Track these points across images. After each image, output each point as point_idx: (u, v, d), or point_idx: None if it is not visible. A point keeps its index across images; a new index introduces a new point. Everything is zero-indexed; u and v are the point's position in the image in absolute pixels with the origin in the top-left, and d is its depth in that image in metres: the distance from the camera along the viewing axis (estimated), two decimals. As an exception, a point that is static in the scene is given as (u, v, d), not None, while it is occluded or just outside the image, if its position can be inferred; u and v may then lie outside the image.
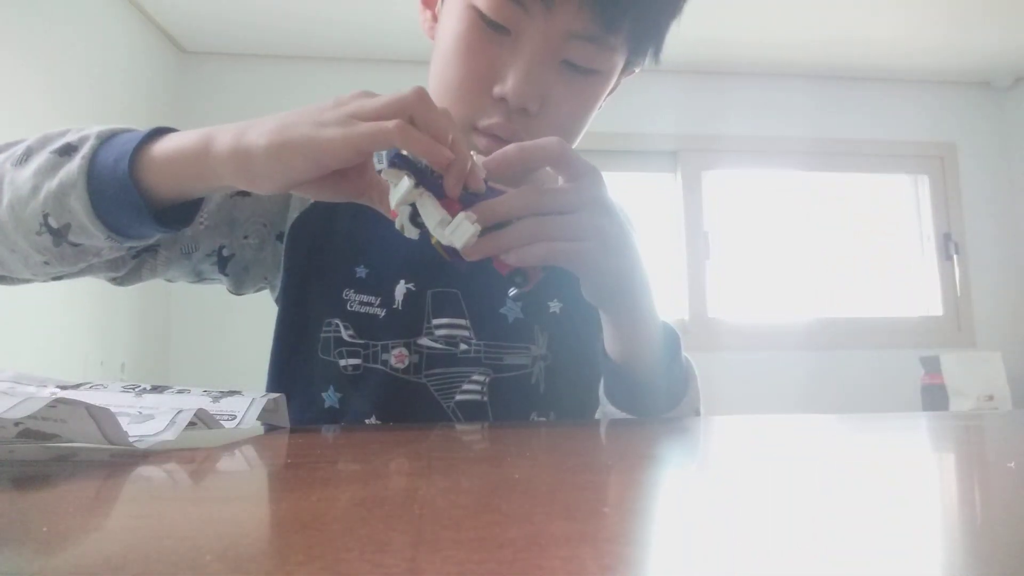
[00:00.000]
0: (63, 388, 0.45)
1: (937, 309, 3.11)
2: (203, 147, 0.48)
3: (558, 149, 0.49)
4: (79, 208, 0.49)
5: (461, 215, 0.45)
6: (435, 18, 0.62)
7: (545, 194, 0.48)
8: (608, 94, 0.65)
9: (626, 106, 3.04)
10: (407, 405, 0.62)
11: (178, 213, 0.52)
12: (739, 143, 3.08)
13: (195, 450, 0.36)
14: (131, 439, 0.35)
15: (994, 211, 3.17)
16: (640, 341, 0.56)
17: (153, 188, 0.49)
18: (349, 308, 0.63)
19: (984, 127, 3.23)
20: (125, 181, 0.48)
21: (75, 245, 0.51)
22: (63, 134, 0.53)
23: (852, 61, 3.02)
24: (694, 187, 3.05)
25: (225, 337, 2.61)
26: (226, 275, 0.65)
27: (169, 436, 0.36)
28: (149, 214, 0.49)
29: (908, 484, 0.29)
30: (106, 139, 0.51)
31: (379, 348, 0.63)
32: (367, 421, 0.62)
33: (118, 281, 0.62)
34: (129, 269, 0.61)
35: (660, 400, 0.59)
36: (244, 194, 0.63)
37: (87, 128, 0.53)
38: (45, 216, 0.50)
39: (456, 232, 0.45)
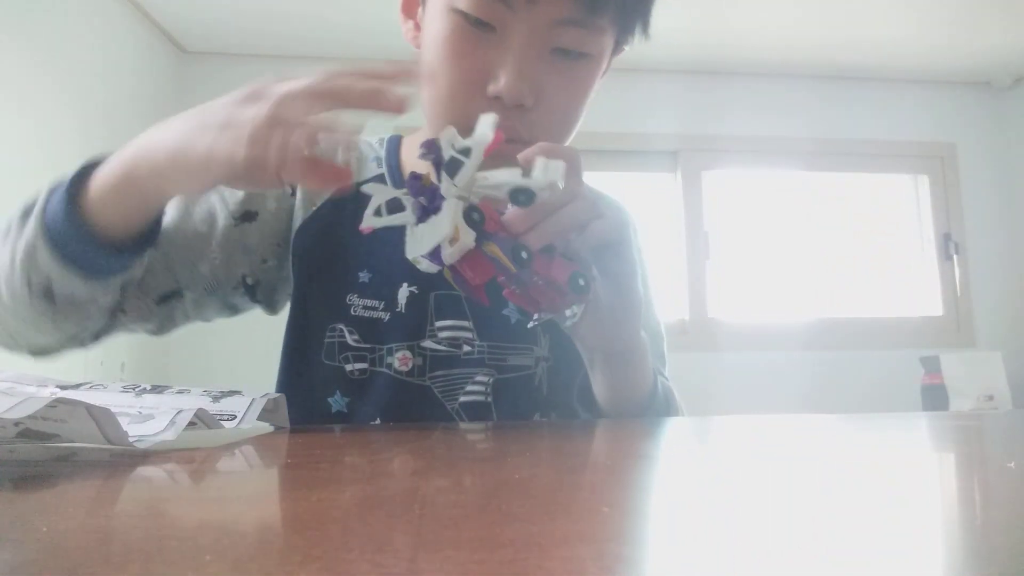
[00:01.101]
0: (63, 388, 0.45)
1: (937, 309, 3.11)
2: (127, 169, 0.48)
3: (590, 213, 0.48)
4: (48, 261, 0.50)
5: (463, 225, 0.43)
6: (417, 27, 0.62)
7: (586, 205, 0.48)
8: (601, 76, 0.65)
9: (626, 106, 3.04)
10: (412, 407, 0.62)
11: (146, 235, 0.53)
12: (739, 143, 3.08)
13: (195, 450, 0.36)
14: (131, 439, 0.35)
15: (994, 211, 3.17)
16: (628, 392, 0.58)
17: (101, 218, 0.49)
18: (353, 313, 0.63)
19: (984, 127, 3.22)
20: (74, 220, 0.49)
21: (70, 300, 0.52)
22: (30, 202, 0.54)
23: (852, 61, 3.02)
24: (694, 187, 3.05)
25: (225, 338, 2.60)
26: (258, 302, 0.66)
27: (169, 436, 0.36)
28: (103, 243, 0.50)
29: (908, 484, 0.29)
30: (54, 188, 0.51)
31: (384, 352, 0.63)
32: (372, 423, 0.62)
33: (155, 332, 0.63)
34: (161, 319, 0.62)
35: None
36: (247, 220, 0.64)
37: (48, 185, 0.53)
38: (28, 280, 0.51)
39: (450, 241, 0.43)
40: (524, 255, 0.43)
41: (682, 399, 0.68)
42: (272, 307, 0.68)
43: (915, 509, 0.24)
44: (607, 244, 0.48)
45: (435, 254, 0.43)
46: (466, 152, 0.43)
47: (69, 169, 0.51)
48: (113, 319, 0.59)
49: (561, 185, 0.43)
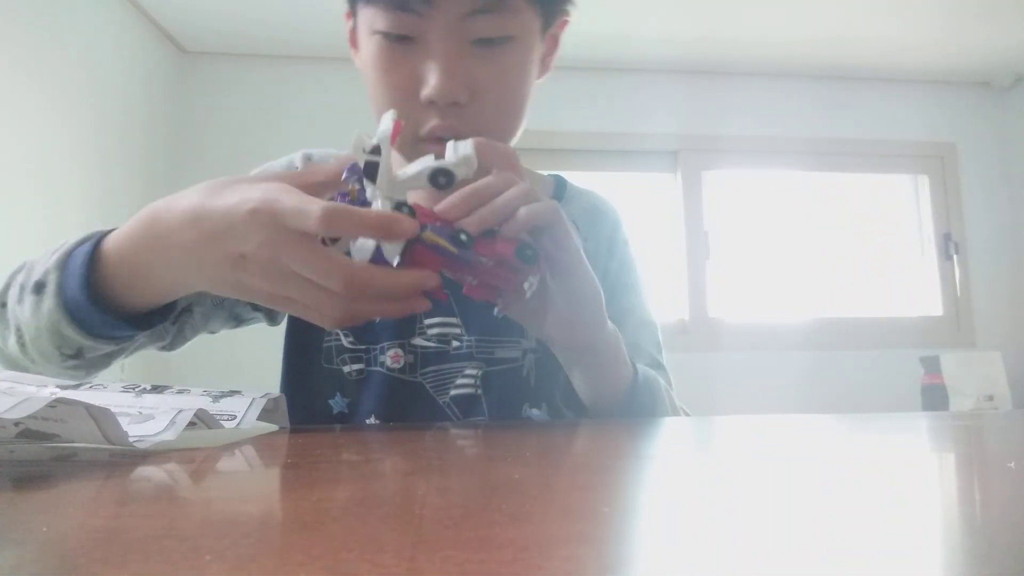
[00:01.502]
0: (63, 388, 0.45)
1: (937, 309, 3.11)
2: (152, 279, 0.49)
3: (520, 193, 0.47)
4: (74, 335, 0.51)
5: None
6: None
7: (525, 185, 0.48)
8: (549, 55, 0.67)
9: (626, 106, 3.04)
10: (404, 403, 0.63)
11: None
12: (739, 143, 3.08)
13: (195, 450, 0.36)
14: (131, 439, 0.35)
15: (994, 211, 3.17)
16: (605, 390, 0.57)
17: (125, 298, 0.50)
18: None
19: (984, 127, 3.22)
20: (97, 309, 0.49)
21: (103, 355, 0.54)
22: (39, 260, 0.54)
23: (852, 61, 3.02)
24: (694, 187, 3.05)
25: (225, 339, 2.60)
26: (260, 311, 0.68)
27: (169, 436, 0.36)
28: (130, 325, 0.51)
29: (908, 484, 0.29)
30: (64, 266, 0.51)
31: (377, 351, 0.65)
32: (367, 421, 0.63)
33: (168, 348, 0.64)
34: (173, 335, 0.64)
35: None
36: None
37: (57, 249, 0.53)
38: (58, 347, 0.52)
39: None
40: (464, 237, 0.44)
41: (678, 393, 0.68)
42: (273, 318, 0.69)
43: (915, 509, 0.24)
44: (541, 228, 0.48)
45: (379, 257, 0.44)
46: (376, 151, 0.44)
47: (76, 244, 0.52)
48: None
49: (474, 161, 0.44)
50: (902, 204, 3.22)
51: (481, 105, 0.58)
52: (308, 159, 0.72)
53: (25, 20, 1.99)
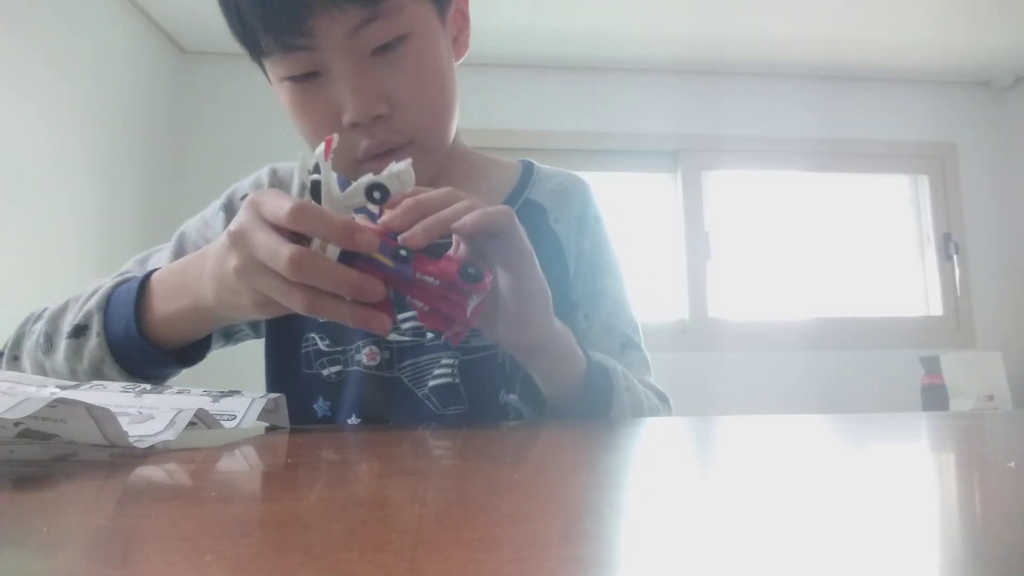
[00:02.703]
0: (63, 388, 0.45)
1: (937, 309, 3.11)
2: (191, 309, 0.53)
3: (465, 217, 0.47)
4: (115, 374, 0.56)
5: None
6: None
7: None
8: (461, 33, 0.67)
9: (626, 106, 3.04)
10: (384, 399, 0.64)
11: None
12: (739, 143, 3.08)
13: (195, 450, 0.36)
14: (131, 439, 0.35)
15: (994, 211, 3.17)
16: (562, 382, 0.57)
17: (167, 341, 0.56)
18: (321, 320, 0.64)
19: (984, 127, 3.22)
20: (143, 347, 0.54)
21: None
22: (64, 310, 0.60)
23: (852, 61, 3.02)
24: (694, 187, 3.05)
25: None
26: (245, 325, 0.69)
27: (169, 436, 0.36)
28: (176, 362, 0.57)
29: (908, 484, 0.29)
30: (105, 308, 0.56)
31: (352, 350, 0.65)
32: (348, 420, 0.64)
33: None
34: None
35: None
36: None
37: (82, 298, 0.59)
38: (98, 377, 0.56)
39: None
40: (403, 252, 0.45)
41: (679, 392, 0.68)
42: (258, 331, 0.71)
43: (915, 509, 0.24)
44: (494, 232, 0.48)
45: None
46: (317, 168, 0.45)
47: (113, 286, 0.58)
48: None
49: (409, 176, 0.44)
50: (902, 204, 3.22)
51: (403, 111, 0.58)
52: (274, 173, 0.73)
53: (25, 21, 1.99)
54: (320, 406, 0.65)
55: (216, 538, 0.19)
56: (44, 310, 0.61)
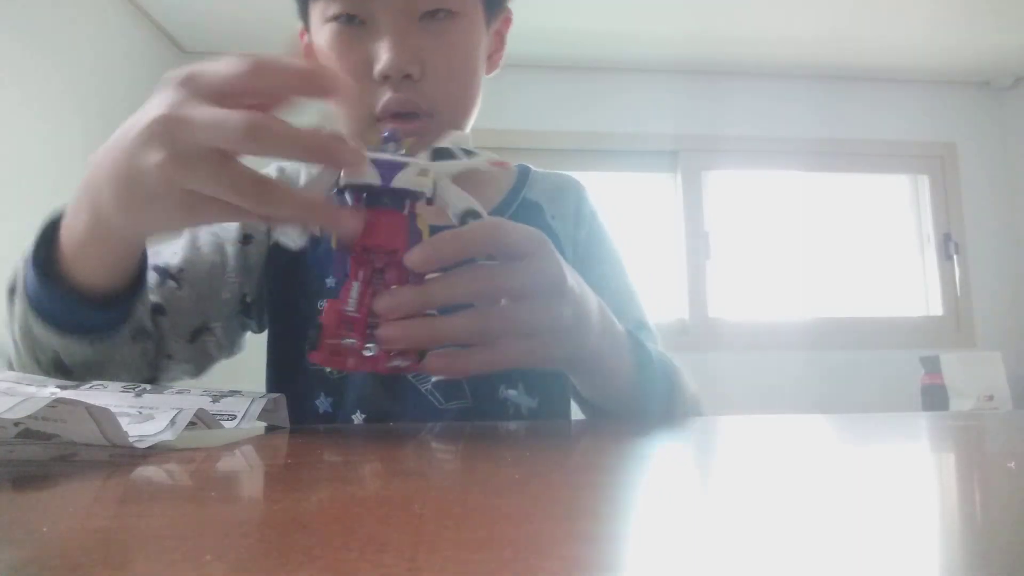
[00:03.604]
0: (63, 388, 0.45)
1: (937, 309, 3.11)
2: (91, 227, 0.44)
3: (493, 230, 0.42)
4: (44, 334, 0.49)
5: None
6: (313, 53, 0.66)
7: (496, 276, 0.42)
8: (496, 53, 0.69)
9: (626, 106, 3.04)
10: (387, 397, 0.64)
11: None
12: (739, 143, 3.08)
13: (195, 450, 0.36)
14: (131, 439, 0.35)
15: (994, 211, 3.17)
16: (610, 390, 0.57)
17: (83, 274, 0.47)
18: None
19: (984, 127, 3.22)
20: (49, 283, 0.46)
21: (84, 366, 0.51)
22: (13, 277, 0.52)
23: (852, 61, 3.02)
24: (694, 187, 3.05)
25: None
26: (251, 319, 0.69)
27: (169, 436, 0.36)
28: (91, 299, 0.47)
29: (908, 484, 0.29)
30: (29, 262, 0.48)
31: None
32: (352, 418, 0.64)
33: (194, 374, 0.66)
34: (196, 356, 0.64)
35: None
36: (246, 242, 0.68)
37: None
38: (36, 360, 0.51)
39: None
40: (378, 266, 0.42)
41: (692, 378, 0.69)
42: (261, 324, 0.71)
43: (915, 509, 0.24)
44: (512, 256, 0.43)
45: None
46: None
47: (32, 237, 0.48)
48: (157, 368, 0.61)
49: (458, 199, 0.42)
50: (902, 204, 3.22)
51: (433, 80, 0.60)
52: (281, 171, 0.74)
53: (25, 20, 1.99)
54: (322, 402, 0.65)
55: (216, 538, 0.19)
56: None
